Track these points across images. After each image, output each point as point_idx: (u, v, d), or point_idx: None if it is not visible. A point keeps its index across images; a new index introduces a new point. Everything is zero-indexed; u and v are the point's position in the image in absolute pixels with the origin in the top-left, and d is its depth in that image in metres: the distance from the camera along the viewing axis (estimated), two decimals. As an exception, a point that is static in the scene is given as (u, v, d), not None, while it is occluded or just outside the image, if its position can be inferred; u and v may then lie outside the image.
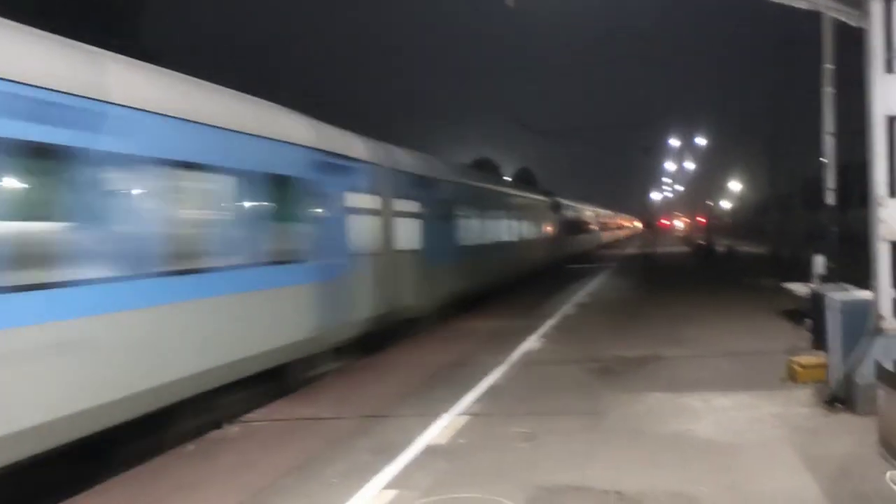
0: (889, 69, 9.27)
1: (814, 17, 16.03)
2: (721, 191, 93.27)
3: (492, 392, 11.17)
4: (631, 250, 68.98)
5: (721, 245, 50.87)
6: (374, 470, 7.81)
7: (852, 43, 14.55)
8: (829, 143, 14.16)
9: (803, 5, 10.48)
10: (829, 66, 14.28)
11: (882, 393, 7.52)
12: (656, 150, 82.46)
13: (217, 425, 9.91)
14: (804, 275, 19.48)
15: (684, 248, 64.57)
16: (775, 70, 40.15)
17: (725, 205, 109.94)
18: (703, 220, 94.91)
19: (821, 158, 14.16)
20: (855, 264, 16.83)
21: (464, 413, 9.98)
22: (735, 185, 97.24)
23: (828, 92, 14.17)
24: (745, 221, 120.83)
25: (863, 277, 13.26)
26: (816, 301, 12.94)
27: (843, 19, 10.33)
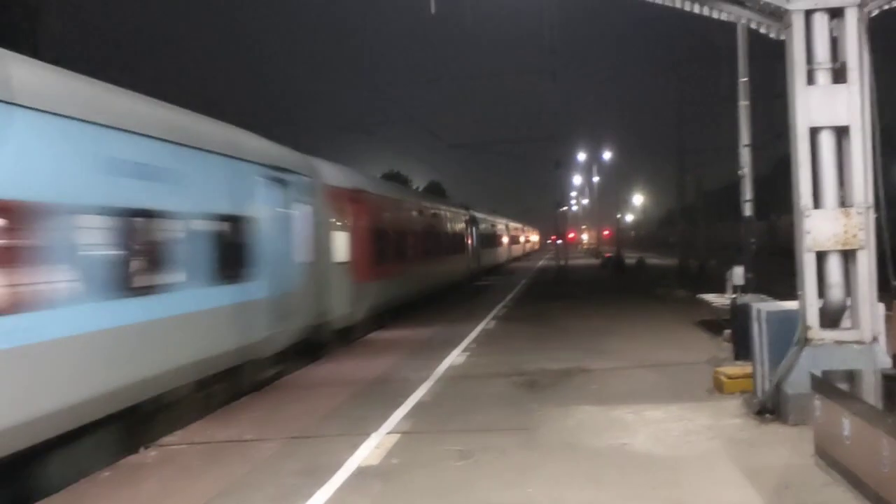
0: (810, 81, 9.39)
1: (720, 30, 16.42)
2: (625, 204, 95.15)
3: (420, 409, 10.90)
4: (542, 263, 69.69)
5: (629, 257, 51.73)
6: (304, 495, 7.44)
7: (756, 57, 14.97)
8: (745, 154, 14.41)
9: (724, 16, 10.56)
10: (744, 80, 14.56)
11: (818, 403, 7.53)
12: (566, 164, 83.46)
13: (132, 450, 9.36)
14: (714, 285, 19.91)
15: (593, 261, 65.61)
16: (680, 83, 40.95)
17: (629, 218, 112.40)
18: (608, 233, 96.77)
19: (739, 171, 14.39)
20: (771, 274, 17.30)
21: (393, 431, 9.68)
22: (638, 199, 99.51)
23: (743, 105, 14.43)
24: (649, 234, 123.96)
25: (778, 287, 13.58)
26: (737, 311, 13.11)
27: (764, 31, 10.44)
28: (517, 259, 79.67)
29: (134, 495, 7.80)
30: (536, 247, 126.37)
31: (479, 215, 47.72)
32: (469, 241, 41.51)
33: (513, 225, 79.24)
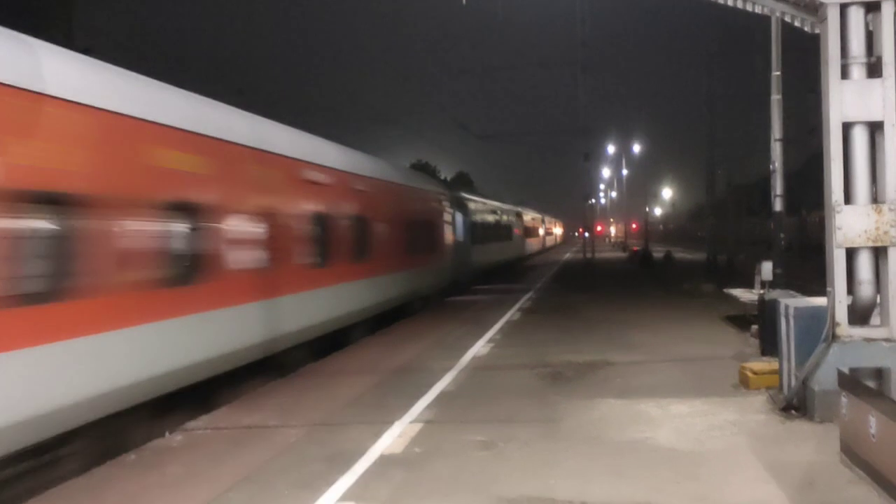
0: (844, 75, 9.28)
1: (754, 25, 16.23)
2: (654, 198, 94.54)
3: (443, 398, 10.92)
4: (569, 256, 69.41)
5: (657, 251, 51.45)
6: (327, 481, 7.49)
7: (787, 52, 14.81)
8: (776, 149, 14.28)
9: (758, 10, 10.46)
10: (776, 73, 14.41)
11: (845, 400, 7.46)
12: (595, 157, 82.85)
13: (159, 434, 9.46)
14: (742, 280, 19.76)
15: (621, 254, 65.29)
16: (712, 77, 40.56)
17: (658, 211, 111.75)
18: (636, 227, 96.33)
19: (770, 166, 14.25)
20: (800, 270, 17.14)
21: (417, 420, 9.71)
22: (667, 192, 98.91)
23: (776, 99, 14.28)
24: (678, 228, 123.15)
25: (807, 283, 13.47)
26: (764, 307, 13.01)
27: (799, 25, 10.35)
28: (539, 252, 71.79)
29: (159, 479, 7.87)
30: (559, 240, 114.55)
31: (469, 197, 37.39)
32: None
33: (532, 215, 68.76)
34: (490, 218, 40.95)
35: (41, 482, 7.77)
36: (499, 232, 43.65)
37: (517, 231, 52.94)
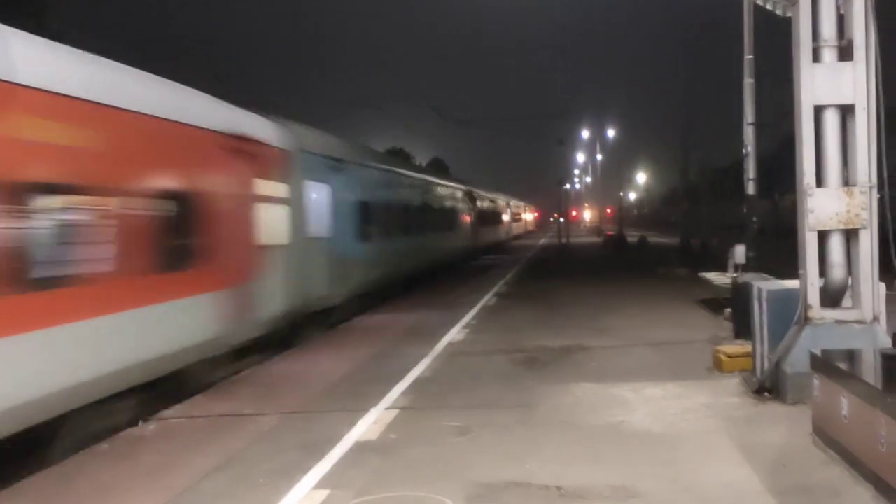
0: (816, 58, 9.31)
1: (727, 7, 16.27)
2: (628, 182, 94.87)
3: (419, 385, 10.91)
4: (545, 241, 69.53)
5: (632, 235, 51.69)
6: (302, 469, 7.44)
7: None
8: (749, 133, 14.31)
9: (731, -7, 10.47)
10: (749, 57, 14.43)
11: (817, 382, 7.51)
12: (570, 142, 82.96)
13: (132, 423, 9.38)
14: (716, 264, 19.89)
15: (595, 239, 65.56)
16: (686, 61, 40.73)
17: (632, 196, 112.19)
18: (611, 211, 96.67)
19: (743, 150, 14.30)
20: (773, 253, 17.26)
21: (392, 407, 9.69)
22: (641, 177, 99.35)
23: (749, 82, 14.31)
24: (652, 212, 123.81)
25: (779, 266, 13.54)
26: (738, 290, 13.09)
27: (770, 8, 10.38)
28: (502, 243, 58.59)
29: (132, 468, 7.81)
30: (530, 227, 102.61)
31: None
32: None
33: (492, 198, 55.28)
34: (403, 197, 26.90)
35: (12, 472, 7.67)
36: (426, 219, 29.78)
37: (465, 218, 40.58)
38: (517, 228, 77.71)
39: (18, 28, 8.46)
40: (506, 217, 64.05)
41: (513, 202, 74.08)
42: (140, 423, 9.42)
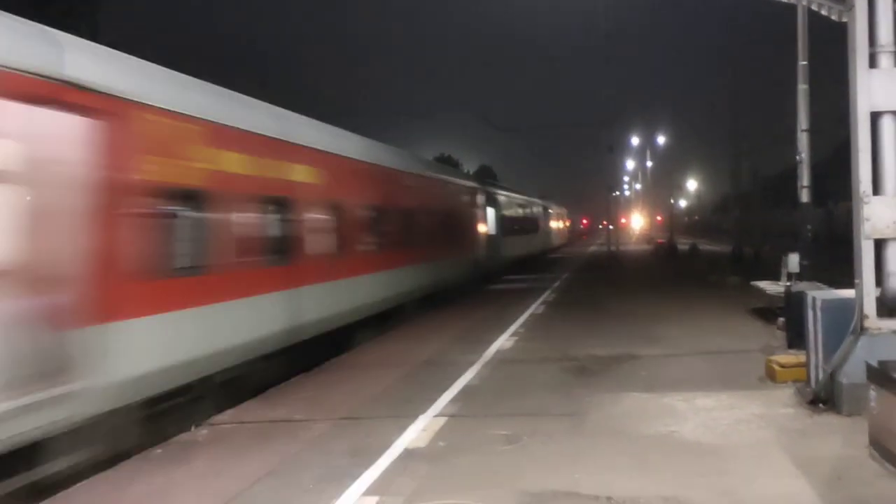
0: (872, 64, 9.17)
1: (777, 15, 16.06)
2: (679, 190, 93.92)
3: (467, 392, 10.91)
4: (593, 248, 68.95)
5: (683, 243, 51.18)
6: (352, 475, 7.50)
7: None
8: (803, 140, 14.12)
9: (785, -1, 10.36)
10: (803, 63, 14.25)
11: (873, 393, 7.37)
12: (619, 149, 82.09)
13: (185, 429, 9.53)
14: (768, 273, 19.58)
15: (645, 247, 64.97)
16: (737, 67, 40.28)
17: (682, 203, 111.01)
18: (661, 219, 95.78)
19: (796, 157, 14.10)
20: (827, 262, 16.97)
21: (441, 414, 9.71)
22: (692, 184, 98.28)
23: (802, 88, 14.12)
24: (703, 220, 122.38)
25: (834, 275, 13.32)
26: (791, 299, 12.88)
27: (826, 13, 10.25)
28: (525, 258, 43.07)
29: (186, 472, 7.93)
30: (562, 238, 77.64)
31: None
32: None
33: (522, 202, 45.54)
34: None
35: (68, 476, 7.84)
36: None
37: (478, 226, 30.53)
38: (552, 240, 62.97)
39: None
40: (545, 226, 55.40)
41: (552, 209, 63.24)
42: (193, 429, 9.56)
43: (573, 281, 31.57)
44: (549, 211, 58.81)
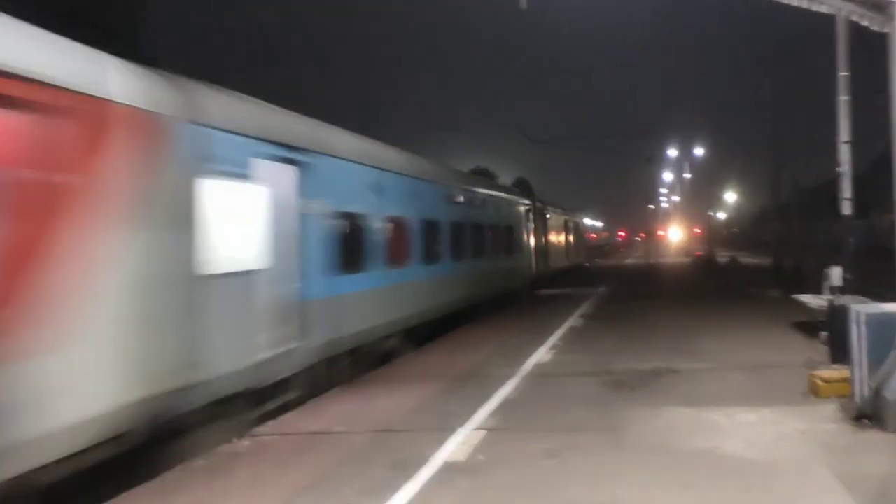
0: (916, 76, 9.08)
1: (816, 27, 15.91)
2: (717, 201, 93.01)
3: (506, 406, 10.91)
4: (630, 261, 68.49)
5: (722, 255, 50.72)
6: (392, 487, 7.54)
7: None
8: (844, 151, 13.98)
9: (824, 9, 10.28)
10: (843, 74, 14.11)
11: (921, 410, 7.27)
12: (657, 161, 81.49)
13: (227, 440, 9.63)
14: (810, 286, 19.35)
15: (684, 259, 64.49)
16: (775, 78, 39.92)
17: (721, 215, 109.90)
18: (699, 231, 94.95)
19: (837, 168, 13.96)
20: (869, 275, 16.73)
21: (480, 428, 9.71)
22: (731, 196, 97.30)
23: (843, 100, 13.98)
24: (742, 232, 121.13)
25: (878, 288, 13.14)
26: (834, 313, 12.72)
27: (866, 24, 10.16)
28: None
29: (227, 484, 8.01)
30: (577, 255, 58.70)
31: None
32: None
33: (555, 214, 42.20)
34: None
35: (112, 487, 7.95)
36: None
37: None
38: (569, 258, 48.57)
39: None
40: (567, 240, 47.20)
41: (576, 220, 54.95)
42: (234, 440, 9.66)
43: (611, 294, 31.40)
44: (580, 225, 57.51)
